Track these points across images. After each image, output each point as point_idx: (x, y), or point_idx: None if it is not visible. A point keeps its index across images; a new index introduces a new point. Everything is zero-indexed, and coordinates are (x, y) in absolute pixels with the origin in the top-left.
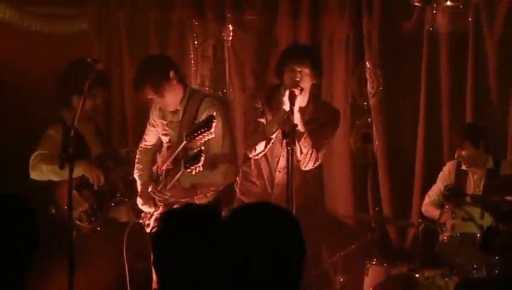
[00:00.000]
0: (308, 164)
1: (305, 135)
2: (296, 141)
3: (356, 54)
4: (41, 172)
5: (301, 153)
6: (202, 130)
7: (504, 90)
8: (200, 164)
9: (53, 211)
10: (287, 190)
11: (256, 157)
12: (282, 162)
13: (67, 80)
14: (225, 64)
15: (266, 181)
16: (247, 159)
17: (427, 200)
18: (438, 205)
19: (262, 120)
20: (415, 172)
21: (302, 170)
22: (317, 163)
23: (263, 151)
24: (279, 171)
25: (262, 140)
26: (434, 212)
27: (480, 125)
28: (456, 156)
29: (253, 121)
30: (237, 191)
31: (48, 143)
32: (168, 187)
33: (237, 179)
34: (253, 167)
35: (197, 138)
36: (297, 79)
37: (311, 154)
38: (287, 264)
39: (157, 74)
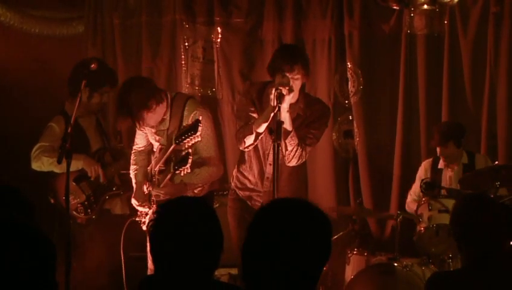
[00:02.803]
0: (292, 160)
1: (292, 134)
2: (282, 138)
3: (338, 55)
4: (42, 164)
5: (286, 149)
6: (189, 133)
7: (477, 88)
8: (188, 165)
9: (52, 201)
10: (273, 183)
11: (246, 149)
12: (270, 156)
13: (73, 75)
14: (214, 64)
15: (257, 175)
16: (243, 153)
17: (409, 198)
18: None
19: (254, 115)
20: (394, 166)
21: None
22: (302, 160)
23: (252, 144)
24: (270, 164)
25: (251, 134)
26: (415, 208)
27: (462, 125)
28: (438, 153)
29: (245, 116)
30: (232, 184)
31: (49, 135)
32: (161, 185)
33: (233, 172)
34: (246, 161)
35: (184, 141)
36: (289, 81)
37: (296, 151)
38: (310, 263)
39: (136, 110)
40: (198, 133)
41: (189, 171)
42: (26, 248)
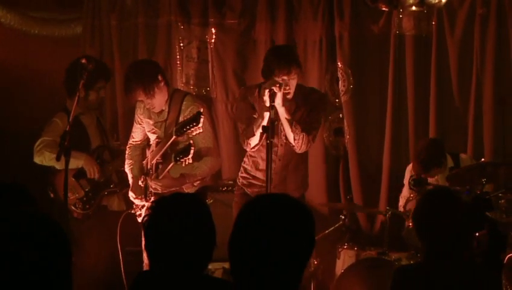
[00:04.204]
0: (301, 147)
1: (294, 123)
2: (286, 128)
3: (329, 55)
4: (44, 158)
5: (294, 139)
6: (191, 125)
7: (464, 87)
8: (190, 156)
9: (52, 195)
10: (267, 179)
11: (253, 150)
12: (281, 150)
13: (69, 75)
14: (208, 64)
15: (264, 171)
16: (248, 152)
17: (401, 202)
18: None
19: (255, 116)
20: (383, 163)
21: (295, 156)
22: (311, 145)
23: (258, 144)
24: (280, 160)
25: (254, 135)
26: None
27: (440, 145)
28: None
29: (246, 118)
30: (239, 183)
31: (53, 130)
32: (160, 177)
33: (240, 171)
34: (251, 159)
35: (186, 133)
36: (285, 86)
37: (303, 138)
38: (294, 257)
39: (148, 77)
40: (200, 125)
41: (190, 161)
42: (50, 241)
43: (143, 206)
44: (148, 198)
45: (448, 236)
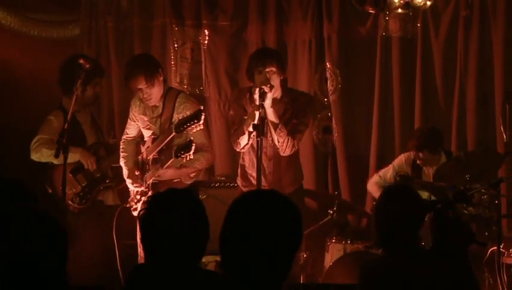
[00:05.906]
0: (285, 150)
1: (280, 126)
2: (272, 131)
3: (318, 56)
4: (42, 155)
5: (278, 142)
6: (192, 122)
7: (448, 87)
8: (191, 152)
9: (50, 190)
10: (258, 175)
11: (243, 150)
12: (270, 151)
13: (65, 74)
14: (201, 64)
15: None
16: (243, 153)
17: (375, 178)
18: (381, 187)
19: (245, 117)
20: (370, 160)
21: (287, 157)
22: (295, 148)
23: (247, 144)
24: (270, 160)
25: (243, 134)
26: (375, 193)
27: (438, 133)
28: (412, 155)
29: (238, 120)
30: (239, 184)
31: (48, 128)
32: (164, 167)
33: (238, 171)
34: (247, 159)
35: (187, 130)
36: (267, 78)
37: (288, 142)
38: (281, 249)
39: (151, 66)
40: (201, 122)
41: (192, 157)
42: (47, 236)
43: (138, 200)
44: (146, 184)
45: (402, 229)
